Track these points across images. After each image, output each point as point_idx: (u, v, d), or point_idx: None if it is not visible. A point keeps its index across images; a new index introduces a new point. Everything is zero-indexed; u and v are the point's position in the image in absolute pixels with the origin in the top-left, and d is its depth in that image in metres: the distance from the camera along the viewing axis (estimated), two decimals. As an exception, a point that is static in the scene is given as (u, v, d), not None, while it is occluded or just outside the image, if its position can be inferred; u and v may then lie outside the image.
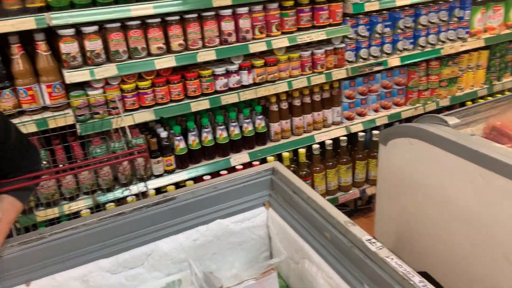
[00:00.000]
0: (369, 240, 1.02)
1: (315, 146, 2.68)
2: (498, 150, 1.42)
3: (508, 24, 3.14)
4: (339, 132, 2.82)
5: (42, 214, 2.13)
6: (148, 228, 1.28)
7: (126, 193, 2.12)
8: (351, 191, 2.91)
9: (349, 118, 2.89)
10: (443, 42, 2.95)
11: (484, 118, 1.97)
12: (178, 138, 2.45)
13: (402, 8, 2.79)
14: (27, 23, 1.88)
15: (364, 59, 2.79)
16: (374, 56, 2.80)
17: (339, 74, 2.71)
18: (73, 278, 1.18)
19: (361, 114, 2.93)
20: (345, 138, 2.76)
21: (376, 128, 2.95)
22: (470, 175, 1.45)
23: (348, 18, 2.67)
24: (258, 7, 2.41)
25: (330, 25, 2.61)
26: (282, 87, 2.59)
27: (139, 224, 1.27)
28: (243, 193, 1.40)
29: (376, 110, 2.97)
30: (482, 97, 3.21)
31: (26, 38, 2.01)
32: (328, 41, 2.72)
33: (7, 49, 2.04)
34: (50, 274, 1.16)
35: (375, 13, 2.73)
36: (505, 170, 1.34)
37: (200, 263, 1.29)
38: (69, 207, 2.19)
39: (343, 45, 2.70)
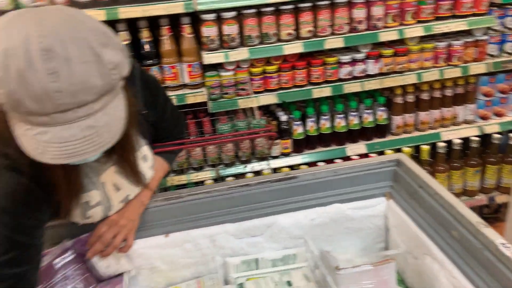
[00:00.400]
0: (504, 244, 0.95)
1: (441, 144, 2.51)
2: None
3: None
4: (470, 131, 2.60)
5: (173, 180, 2.39)
6: (269, 202, 1.36)
7: (247, 169, 2.25)
8: (477, 197, 2.67)
9: (484, 118, 2.63)
10: None
11: None
12: (297, 123, 2.51)
13: None
14: (177, 7, 2.10)
15: (509, 53, 2.51)
16: (522, 51, 2.50)
17: (477, 68, 2.48)
18: (203, 235, 1.32)
19: (498, 114, 2.65)
20: (476, 138, 2.53)
21: (515, 131, 2.64)
22: None
23: (495, 8, 2.42)
24: (389, -6, 2.33)
25: (474, 14, 2.40)
26: (410, 78, 2.47)
27: (262, 197, 1.36)
28: (363, 181, 1.39)
29: (517, 111, 2.66)
30: None
31: (171, 21, 2.24)
32: (468, 32, 2.50)
33: (156, 30, 2.30)
34: (184, 230, 1.32)
35: (529, 2, 2.43)
36: None
37: (315, 242, 1.33)
38: (196, 176, 2.42)
39: (485, 37, 2.47)
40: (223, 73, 2.33)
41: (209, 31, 2.20)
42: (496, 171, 2.59)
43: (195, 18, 2.28)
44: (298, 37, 2.34)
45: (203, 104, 2.35)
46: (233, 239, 1.34)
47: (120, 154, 1.05)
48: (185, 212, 1.32)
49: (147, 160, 1.21)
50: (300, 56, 2.43)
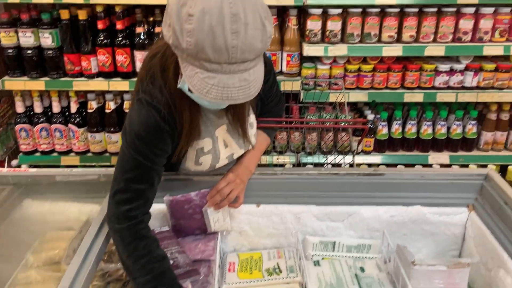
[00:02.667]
0: None
1: (531, 168, 2.42)
2: None
3: None
4: None
5: (256, 158, 2.57)
6: (354, 193, 1.48)
7: (329, 160, 2.37)
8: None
9: None
10: None
11: None
12: (382, 123, 2.57)
13: None
14: (288, 0, 2.24)
15: None
16: None
17: None
18: (289, 212, 1.47)
19: None
20: None
21: None
22: None
23: None
24: (507, 9, 2.27)
25: None
26: (508, 96, 2.42)
27: (348, 187, 1.47)
28: (448, 189, 1.45)
29: None
30: None
31: (280, 10, 2.39)
32: None
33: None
34: (274, 204, 1.48)
35: None
36: None
37: (391, 238, 1.43)
38: (277, 159, 2.58)
39: None
40: (319, 66, 2.44)
41: (313, 25, 2.32)
42: None
43: (301, 11, 2.41)
44: (399, 40, 2.38)
45: (296, 91, 2.49)
46: (315, 220, 1.48)
47: (236, 113, 1.28)
48: (277, 187, 1.48)
49: (253, 127, 1.41)
50: (397, 59, 2.47)
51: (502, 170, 2.53)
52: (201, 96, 0.98)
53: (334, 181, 1.48)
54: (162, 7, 2.36)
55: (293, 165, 2.60)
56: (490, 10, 2.27)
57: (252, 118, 1.39)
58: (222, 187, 1.34)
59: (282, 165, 2.61)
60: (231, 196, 1.35)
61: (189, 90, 1.03)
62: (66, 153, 2.62)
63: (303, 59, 2.47)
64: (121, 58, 2.37)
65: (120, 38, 2.35)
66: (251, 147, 1.43)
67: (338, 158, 2.47)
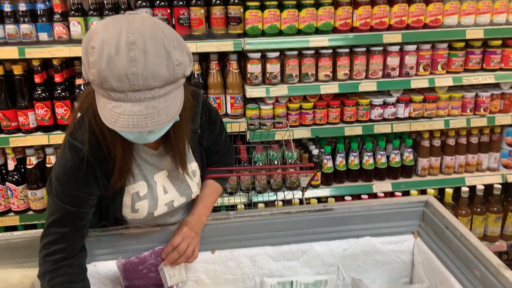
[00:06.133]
0: (522, 286, 1.07)
1: (465, 189, 2.61)
2: None
3: None
4: (493, 179, 2.70)
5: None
6: (306, 230, 1.51)
7: (280, 197, 2.40)
8: (497, 243, 2.74)
9: (507, 167, 2.74)
10: None
11: None
12: (327, 157, 2.67)
13: None
14: (227, 46, 2.32)
15: (535, 107, 2.63)
16: (548, 106, 2.62)
17: (503, 119, 2.61)
18: (245, 255, 1.46)
19: (522, 165, 2.75)
20: (499, 186, 2.63)
21: (538, 182, 2.73)
22: None
23: (523, 64, 2.57)
24: (427, 46, 2.50)
25: (501, 69, 2.55)
26: (438, 124, 2.61)
27: (300, 225, 1.50)
28: (394, 218, 1.53)
29: (541, 163, 2.75)
30: None
31: (221, 54, 2.46)
32: (496, 85, 2.65)
33: (204, 63, 2.52)
34: (229, 248, 1.47)
35: (556, 61, 2.56)
36: None
37: (345, 271, 1.46)
38: (228, 200, 2.58)
39: (512, 90, 2.60)
40: (263, 106, 2.52)
41: (254, 68, 2.41)
42: (517, 219, 2.67)
43: (241, 55, 2.50)
44: (334, 79, 2.53)
45: (242, 133, 2.54)
46: (271, 261, 1.48)
47: (175, 159, 1.28)
48: (231, 232, 1.48)
49: (195, 176, 1.40)
50: (335, 96, 2.61)
51: (440, 193, 2.71)
52: (110, 126, 0.99)
53: (286, 220, 1.50)
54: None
55: (245, 205, 2.61)
56: (413, 47, 2.50)
57: (194, 166, 1.39)
58: (178, 243, 1.30)
59: (234, 206, 2.61)
60: (188, 252, 1.32)
61: None
62: (4, 213, 2.45)
63: (247, 100, 2.54)
64: (61, 110, 2.31)
65: (59, 91, 2.30)
66: (193, 196, 1.42)
67: (288, 195, 2.53)
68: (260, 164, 2.58)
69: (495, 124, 2.62)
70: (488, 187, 2.66)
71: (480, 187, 2.62)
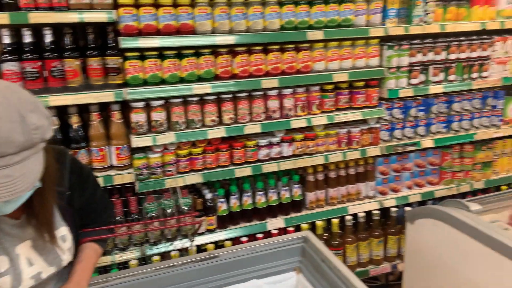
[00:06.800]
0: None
1: (348, 217, 2.82)
2: (514, 238, 1.54)
3: (542, 113, 3.26)
4: (372, 205, 2.96)
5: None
6: (194, 281, 1.49)
7: (171, 247, 2.34)
8: (382, 265, 2.98)
9: (382, 193, 3.03)
10: (477, 128, 3.11)
11: (510, 206, 2.08)
12: (221, 200, 2.69)
13: (435, 95, 3.01)
14: (107, 96, 2.27)
15: (398, 139, 2.99)
16: (408, 137, 3.00)
17: (373, 151, 2.91)
18: (129, 318, 1.39)
19: (394, 190, 3.07)
20: (377, 212, 2.89)
21: (409, 204, 3.06)
22: (489, 261, 1.56)
23: (384, 101, 2.92)
24: (301, 89, 2.72)
25: (367, 107, 2.87)
26: (319, 160, 2.81)
27: (187, 276, 1.48)
28: (277, 257, 1.58)
29: (409, 187, 3.10)
30: (517, 182, 3.26)
31: (102, 105, 2.40)
32: (364, 121, 2.96)
33: (86, 114, 2.42)
34: (111, 313, 1.38)
35: (409, 98, 2.96)
36: (520, 257, 1.45)
37: (235, 317, 1.46)
38: (120, 257, 2.43)
39: (378, 125, 2.93)
40: (150, 155, 2.48)
41: (137, 117, 2.38)
42: (396, 241, 2.95)
43: (125, 103, 2.46)
44: (221, 123, 2.60)
45: (131, 184, 2.45)
46: (157, 320, 1.42)
47: (39, 227, 1.18)
48: (112, 295, 1.39)
49: (66, 241, 1.31)
50: (223, 139, 2.68)
51: (329, 223, 2.88)
52: None
53: (171, 273, 1.47)
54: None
55: (139, 260, 2.49)
56: (290, 91, 2.70)
57: (63, 231, 1.31)
58: None
59: (127, 262, 2.47)
60: None
61: None
62: None
63: (133, 150, 2.48)
64: None
65: None
66: (64, 263, 1.32)
67: (179, 244, 2.47)
68: (153, 214, 2.51)
69: (367, 156, 2.91)
70: (369, 214, 2.91)
71: (361, 214, 2.85)
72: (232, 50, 2.55)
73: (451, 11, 2.84)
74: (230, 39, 2.43)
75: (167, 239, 2.58)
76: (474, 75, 3.00)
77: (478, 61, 2.98)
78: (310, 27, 2.61)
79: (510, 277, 1.50)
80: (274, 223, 2.77)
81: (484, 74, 3.02)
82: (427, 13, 2.77)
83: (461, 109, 3.05)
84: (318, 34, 2.59)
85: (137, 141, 2.37)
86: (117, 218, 2.42)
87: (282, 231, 2.78)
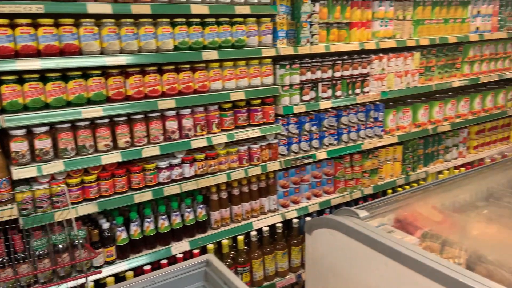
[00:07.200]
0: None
1: (253, 233, 2.86)
2: (396, 241, 1.70)
3: (416, 123, 3.69)
4: (275, 219, 3.05)
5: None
6: (87, 324, 1.37)
7: (63, 287, 2.13)
8: (287, 276, 3.06)
9: (284, 206, 3.14)
10: (363, 138, 3.39)
11: (394, 209, 2.29)
12: (120, 228, 2.54)
13: (326, 110, 3.23)
14: (-20, 124, 2.02)
15: (295, 152, 3.13)
16: (304, 150, 3.16)
17: (273, 166, 3.01)
18: None
19: (295, 202, 3.20)
20: (280, 224, 2.98)
21: (310, 214, 3.21)
22: (377, 263, 1.70)
23: (280, 117, 3.05)
24: (200, 109, 2.72)
25: (264, 123, 2.96)
26: (221, 178, 2.82)
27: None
28: (179, 285, 1.54)
29: (308, 198, 3.26)
30: (401, 186, 3.62)
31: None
32: (263, 137, 3.05)
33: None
34: None
35: (303, 114, 3.13)
36: (402, 258, 1.60)
37: None
38: (3, 304, 2.15)
39: (276, 140, 3.04)
40: (36, 187, 2.25)
41: (18, 146, 2.15)
42: (299, 251, 3.06)
43: (4, 133, 2.21)
44: (116, 147, 2.47)
45: (14, 220, 2.20)
46: None
47: None
48: None
49: None
50: (119, 164, 2.55)
51: (235, 241, 2.89)
52: None
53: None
54: None
55: (27, 304, 2.23)
56: (188, 111, 2.67)
57: None
58: None
59: (11, 309, 2.19)
60: None
61: None
62: None
63: (15, 183, 2.23)
64: None
65: None
66: None
67: (78, 280, 2.28)
68: (42, 251, 2.28)
69: (268, 171, 3.00)
70: (273, 227, 2.99)
71: (265, 228, 2.91)
72: (124, 71, 2.45)
73: (333, 33, 3.09)
74: (121, 60, 2.34)
75: (59, 277, 2.35)
76: (357, 90, 3.28)
77: (359, 78, 3.27)
78: (205, 47, 2.63)
79: (394, 276, 1.64)
80: (179, 247, 2.69)
81: (366, 89, 3.32)
82: (313, 35, 2.98)
83: (349, 122, 3.31)
84: (213, 54, 2.62)
85: (19, 173, 2.14)
86: (-3, 261, 2.15)
87: (188, 254, 2.71)
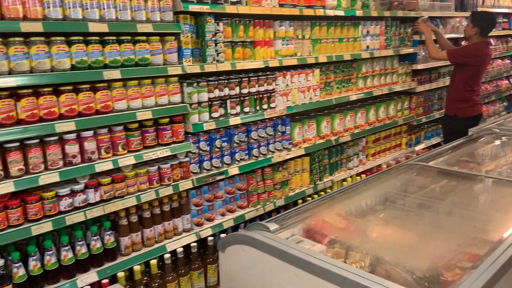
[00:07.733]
0: None
1: (167, 255, 2.78)
2: (304, 250, 1.76)
3: (320, 135, 3.91)
4: (190, 238, 3.00)
5: None
6: None
7: None
8: (205, 296, 3.02)
9: (198, 224, 3.10)
10: (273, 152, 3.50)
11: (303, 219, 2.38)
12: (17, 264, 2.31)
13: (235, 126, 3.28)
14: None
15: (208, 170, 3.13)
16: (216, 167, 3.16)
17: (185, 185, 2.96)
18: None
19: (209, 219, 3.18)
20: (195, 244, 2.94)
21: (225, 231, 3.21)
22: (287, 275, 1.75)
23: (190, 135, 3.03)
24: (104, 130, 2.59)
25: (174, 142, 2.92)
26: (130, 201, 2.71)
27: None
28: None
29: (222, 214, 3.26)
30: (310, 195, 3.80)
31: None
32: (173, 156, 3.00)
33: None
34: None
35: (213, 131, 3.15)
36: (310, 267, 1.66)
37: None
38: None
39: (187, 159, 3.01)
40: None
41: None
42: (215, 270, 3.04)
43: None
44: (7, 176, 2.25)
45: None
46: None
47: None
48: None
49: None
50: (13, 194, 2.32)
51: (148, 266, 2.78)
52: None
53: None
54: None
55: None
56: (90, 133, 2.53)
57: None
58: None
59: None
60: None
61: None
62: None
63: None
64: None
65: None
66: None
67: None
68: None
69: (180, 190, 2.94)
70: (187, 247, 2.93)
71: (179, 249, 2.84)
72: (15, 93, 2.25)
73: (238, 51, 3.17)
74: (10, 81, 2.15)
75: None
76: (265, 106, 3.39)
77: (266, 94, 3.39)
78: (106, 67, 2.53)
79: (304, 286, 1.70)
80: (86, 279, 2.51)
81: (272, 105, 3.45)
82: (219, 53, 3.02)
83: (258, 137, 3.39)
84: (115, 73, 2.53)
85: None
86: None
87: (96, 285, 2.54)
